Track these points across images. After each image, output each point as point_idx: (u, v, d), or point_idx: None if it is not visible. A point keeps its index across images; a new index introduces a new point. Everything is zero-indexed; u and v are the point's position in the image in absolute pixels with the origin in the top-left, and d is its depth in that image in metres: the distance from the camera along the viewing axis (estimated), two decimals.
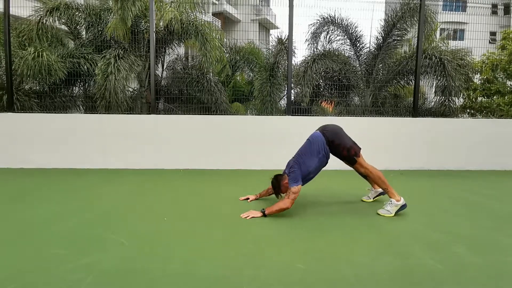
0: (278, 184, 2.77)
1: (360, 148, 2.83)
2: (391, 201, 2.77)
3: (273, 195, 2.96)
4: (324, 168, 2.84)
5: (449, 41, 8.27)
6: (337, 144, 2.74)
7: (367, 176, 2.90)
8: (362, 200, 3.21)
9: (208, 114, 5.52)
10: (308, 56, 7.24)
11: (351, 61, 7.47)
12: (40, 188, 3.62)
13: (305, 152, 2.76)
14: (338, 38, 7.56)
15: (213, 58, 6.49)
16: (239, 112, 7.63)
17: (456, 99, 6.97)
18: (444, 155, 5.04)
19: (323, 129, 2.83)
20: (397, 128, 5.04)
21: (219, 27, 13.21)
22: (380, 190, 3.13)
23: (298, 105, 6.62)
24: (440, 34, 9.02)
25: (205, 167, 4.83)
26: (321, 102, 7.53)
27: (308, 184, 2.89)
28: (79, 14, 6.57)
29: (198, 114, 5.34)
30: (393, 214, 2.74)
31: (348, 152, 2.75)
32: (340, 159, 2.87)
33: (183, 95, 6.82)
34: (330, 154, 2.81)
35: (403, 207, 2.77)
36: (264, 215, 2.65)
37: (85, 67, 6.07)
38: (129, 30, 6.10)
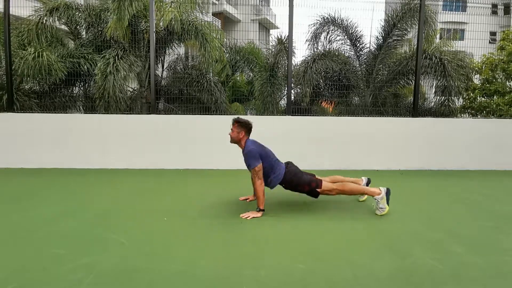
0: (237, 128, 2.90)
1: (320, 180, 2.82)
2: (375, 199, 2.77)
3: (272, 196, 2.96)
4: (323, 168, 2.84)
5: (452, 42, 8.25)
6: (296, 184, 2.83)
7: (341, 194, 2.86)
8: (358, 200, 3.21)
9: (208, 114, 5.52)
10: (308, 56, 7.24)
11: (351, 61, 7.48)
12: (40, 188, 3.62)
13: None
14: (338, 38, 7.58)
15: (213, 58, 6.50)
16: (239, 112, 7.63)
17: (456, 99, 6.98)
18: (444, 155, 5.03)
19: (287, 165, 2.94)
20: (397, 128, 5.03)
21: (219, 27, 13.21)
22: (365, 181, 3.13)
23: (298, 105, 6.63)
24: (440, 38, 9.01)
25: (205, 167, 4.83)
26: (321, 102, 7.53)
27: None
28: (79, 14, 6.58)
29: (198, 114, 5.34)
30: (387, 207, 2.75)
31: (310, 186, 2.80)
32: (305, 193, 2.87)
33: (183, 95, 6.82)
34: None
35: (387, 193, 2.77)
36: (262, 210, 2.69)
37: (85, 67, 6.07)
38: (129, 30, 6.10)
